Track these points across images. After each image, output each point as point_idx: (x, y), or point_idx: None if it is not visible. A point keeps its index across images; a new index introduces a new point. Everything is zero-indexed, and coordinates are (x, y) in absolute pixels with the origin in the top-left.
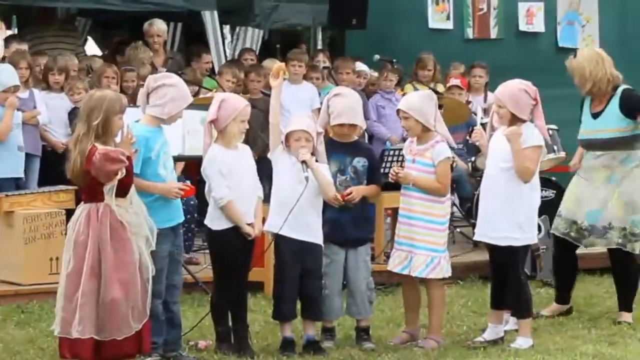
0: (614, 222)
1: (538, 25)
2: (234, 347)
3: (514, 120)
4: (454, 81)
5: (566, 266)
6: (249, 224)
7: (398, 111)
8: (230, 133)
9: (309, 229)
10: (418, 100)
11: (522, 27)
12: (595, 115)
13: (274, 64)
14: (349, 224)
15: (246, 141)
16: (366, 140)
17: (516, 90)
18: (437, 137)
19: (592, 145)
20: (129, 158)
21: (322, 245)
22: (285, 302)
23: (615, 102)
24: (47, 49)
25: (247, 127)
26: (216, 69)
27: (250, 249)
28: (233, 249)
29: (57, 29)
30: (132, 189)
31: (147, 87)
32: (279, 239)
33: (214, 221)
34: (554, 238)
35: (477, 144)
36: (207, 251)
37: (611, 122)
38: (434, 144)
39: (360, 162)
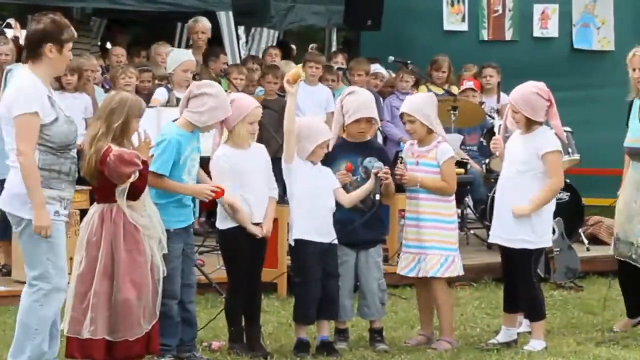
0: None
1: (552, 29)
2: (246, 348)
3: (530, 123)
4: (467, 84)
5: (634, 286)
6: (257, 224)
7: (402, 115)
8: (239, 134)
9: (330, 231)
10: (422, 103)
11: (537, 32)
12: None
13: (288, 67)
14: (361, 225)
15: (260, 142)
16: (380, 141)
17: (529, 94)
18: (439, 138)
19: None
20: (144, 162)
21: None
22: (311, 305)
23: None
24: None
25: (257, 128)
26: None
27: (261, 248)
28: (241, 247)
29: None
30: (146, 192)
31: (189, 92)
32: (303, 243)
33: (222, 221)
34: (617, 261)
35: (496, 153)
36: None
37: None
38: (436, 145)
39: (371, 162)
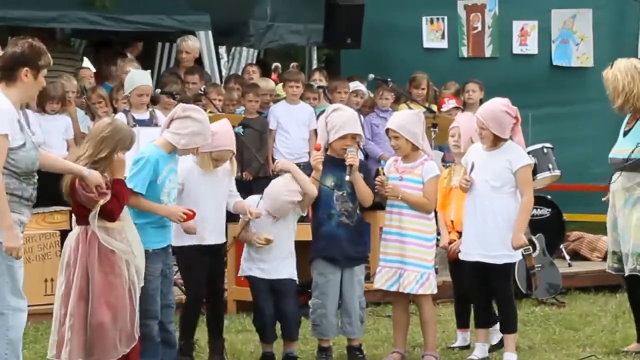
0: (631, 248)
1: (532, 46)
2: None
3: (496, 140)
4: (449, 102)
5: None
6: (211, 245)
7: (387, 130)
8: (201, 160)
9: (281, 266)
10: (407, 120)
11: (516, 49)
12: (625, 134)
13: (266, 84)
14: (345, 241)
15: (241, 161)
16: (362, 158)
17: (498, 112)
18: (425, 155)
19: (615, 164)
20: (118, 182)
21: (295, 279)
22: (262, 328)
23: None
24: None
25: (219, 165)
26: None
27: (219, 264)
28: (195, 264)
29: (59, 50)
30: (127, 214)
31: (174, 112)
32: (250, 278)
33: (176, 238)
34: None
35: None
36: None
37: (633, 141)
38: (423, 162)
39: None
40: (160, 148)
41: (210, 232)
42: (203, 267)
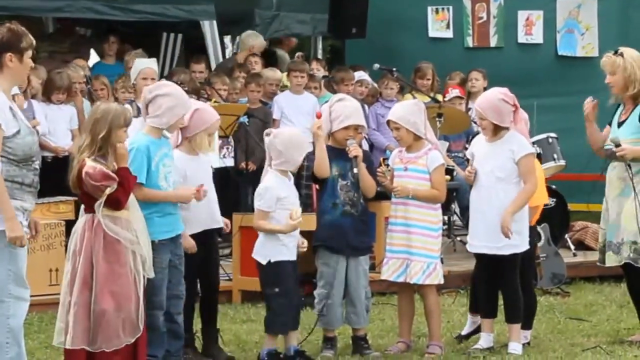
0: (626, 237)
1: (537, 36)
2: (200, 352)
3: (497, 129)
4: (452, 92)
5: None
6: (217, 229)
7: (388, 122)
8: (196, 142)
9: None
10: (407, 110)
11: (521, 39)
12: (620, 124)
13: (273, 73)
14: (350, 230)
15: (245, 151)
16: (366, 149)
17: (496, 101)
18: (430, 145)
19: (610, 155)
20: (124, 170)
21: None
22: (287, 314)
23: (637, 111)
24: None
25: (216, 140)
26: None
27: (213, 250)
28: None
29: (73, 42)
30: (134, 204)
31: (144, 98)
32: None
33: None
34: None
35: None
36: None
37: (629, 132)
38: (427, 152)
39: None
40: (149, 135)
41: (205, 217)
42: (196, 258)
